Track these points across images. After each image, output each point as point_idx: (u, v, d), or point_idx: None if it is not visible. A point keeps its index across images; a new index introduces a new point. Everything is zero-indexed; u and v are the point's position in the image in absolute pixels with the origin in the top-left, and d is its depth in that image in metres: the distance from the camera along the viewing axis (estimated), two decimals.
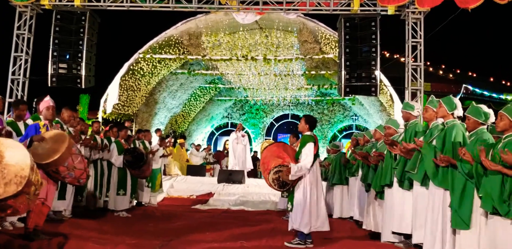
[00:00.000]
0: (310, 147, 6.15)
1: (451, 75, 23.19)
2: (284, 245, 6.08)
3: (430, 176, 4.78)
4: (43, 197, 5.42)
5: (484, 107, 4.47)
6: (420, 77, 11.10)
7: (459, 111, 4.88)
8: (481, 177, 4.00)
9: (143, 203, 10.31)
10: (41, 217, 5.53)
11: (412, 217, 5.33)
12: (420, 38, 11.16)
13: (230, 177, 13.39)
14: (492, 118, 4.40)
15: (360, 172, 7.63)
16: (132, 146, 9.45)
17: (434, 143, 4.92)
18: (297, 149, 6.38)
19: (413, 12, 11.20)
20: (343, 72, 10.74)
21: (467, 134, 4.67)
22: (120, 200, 8.77)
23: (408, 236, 5.67)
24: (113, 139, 9.02)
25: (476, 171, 4.04)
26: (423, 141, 4.99)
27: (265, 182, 6.44)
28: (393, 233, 5.87)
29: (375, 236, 6.57)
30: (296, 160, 6.22)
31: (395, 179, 5.77)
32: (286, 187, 6.28)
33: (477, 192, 4.07)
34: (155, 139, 12.94)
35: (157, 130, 14.69)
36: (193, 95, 20.19)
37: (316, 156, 6.27)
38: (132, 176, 9.06)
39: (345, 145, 14.45)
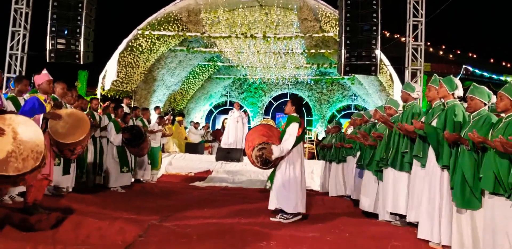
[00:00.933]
0: (294, 127, 6.21)
1: (451, 56, 23.06)
2: (281, 221, 6.16)
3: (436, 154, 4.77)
4: (46, 172, 5.48)
5: (485, 88, 4.46)
6: (421, 57, 11.06)
7: (459, 92, 4.86)
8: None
9: (142, 179, 10.35)
10: (41, 191, 5.58)
11: (409, 197, 5.37)
12: (422, 17, 11.07)
13: (228, 155, 13.46)
14: (493, 99, 4.39)
15: (359, 153, 7.64)
16: (129, 123, 9.46)
17: (434, 122, 4.91)
18: (283, 129, 6.42)
19: None
20: (343, 51, 10.69)
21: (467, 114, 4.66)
22: (122, 177, 8.86)
23: (403, 216, 5.73)
24: (112, 116, 9.01)
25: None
26: (423, 123, 4.95)
27: (249, 160, 6.49)
28: (392, 213, 5.93)
29: (371, 215, 6.63)
30: (281, 140, 6.26)
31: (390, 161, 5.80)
32: (269, 165, 6.35)
33: None
34: (153, 117, 12.95)
35: (156, 108, 14.69)
36: (192, 73, 20.10)
37: (301, 137, 6.31)
38: (130, 153, 9.11)
39: (344, 125, 14.45)
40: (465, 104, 4.71)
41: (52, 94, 6.55)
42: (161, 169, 11.97)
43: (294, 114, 6.39)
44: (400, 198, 5.60)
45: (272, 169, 6.43)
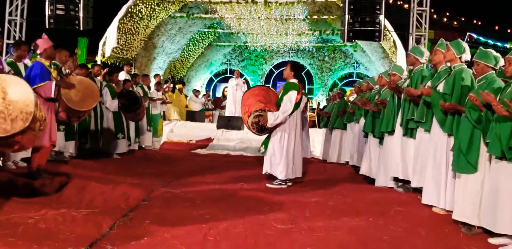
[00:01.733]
0: (292, 94, 6.12)
1: (455, 23, 22.77)
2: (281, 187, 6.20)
3: (440, 123, 4.74)
4: (54, 139, 5.55)
5: (493, 51, 4.36)
6: (425, 23, 10.87)
7: (467, 55, 4.75)
8: (489, 123, 3.97)
9: (143, 146, 10.37)
10: (45, 157, 5.59)
11: (413, 161, 5.34)
12: None
13: (229, 123, 13.46)
14: (501, 62, 4.31)
15: (362, 119, 7.61)
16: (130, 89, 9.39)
17: (440, 86, 4.84)
18: (280, 96, 6.33)
19: None
20: (346, 16, 10.49)
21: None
22: (118, 143, 8.79)
23: (405, 181, 5.73)
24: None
25: (486, 116, 3.99)
26: (431, 88, 4.90)
27: (244, 124, 6.48)
28: (394, 179, 5.92)
29: (372, 181, 6.65)
30: (278, 106, 6.20)
31: (397, 126, 5.74)
32: (265, 131, 6.34)
33: (483, 138, 4.05)
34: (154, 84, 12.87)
35: (156, 75, 14.59)
36: (192, 40, 19.83)
37: (298, 104, 6.24)
38: (126, 119, 9.05)
39: (346, 92, 14.36)
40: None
41: (53, 61, 6.49)
42: (163, 137, 11.98)
43: (293, 80, 6.29)
44: (407, 164, 5.55)
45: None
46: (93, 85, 6.06)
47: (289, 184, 6.31)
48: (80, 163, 7.08)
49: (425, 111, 5.08)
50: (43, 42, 5.77)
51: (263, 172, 6.43)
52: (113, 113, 8.76)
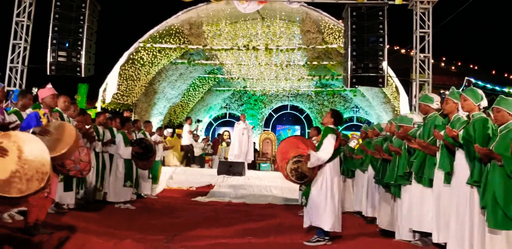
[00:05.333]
0: (331, 138, 5.86)
1: (453, 68, 22.99)
2: (293, 242, 5.86)
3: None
4: (47, 190, 5.20)
5: None
6: (428, 69, 10.89)
7: (484, 102, 4.62)
8: None
9: (143, 195, 10.10)
10: (43, 211, 5.30)
11: (435, 215, 5.05)
12: (428, 28, 10.94)
13: (230, 169, 13.20)
14: None
15: (370, 167, 7.39)
16: (132, 136, 9.25)
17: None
18: (318, 142, 6.11)
19: (421, 2, 10.97)
20: (349, 62, 10.48)
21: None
22: (125, 192, 8.56)
23: (424, 234, 5.45)
24: (115, 130, 8.77)
25: None
26: (457, 131, 4.64)
27: (282, 173, 6.10)
28: (413, 231, 5.62)
29: (387, 234, 6.35)
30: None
31: (413, 176, 5.52)
32: (304, 179, 5.93)
33: None
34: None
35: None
36: (192, 85, 19.94)
37: (338, 150, 5.98)
38: (137, 167, 8.92)
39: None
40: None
41: (56, 108, 6.35)
42: (162, 183, 11.71)
43: (332, 126, 6.08)
44: (426, 216, 5.27)
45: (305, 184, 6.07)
46: (68, 130, 5.30)
47: (329, 243, 5.77)
48: (79, 215, 6.77)
49: (449, 160, 4.84)
50: (42, 92, 5.71)
51: (305, 226, 6.00)
52: (125, 161, 8.60)
